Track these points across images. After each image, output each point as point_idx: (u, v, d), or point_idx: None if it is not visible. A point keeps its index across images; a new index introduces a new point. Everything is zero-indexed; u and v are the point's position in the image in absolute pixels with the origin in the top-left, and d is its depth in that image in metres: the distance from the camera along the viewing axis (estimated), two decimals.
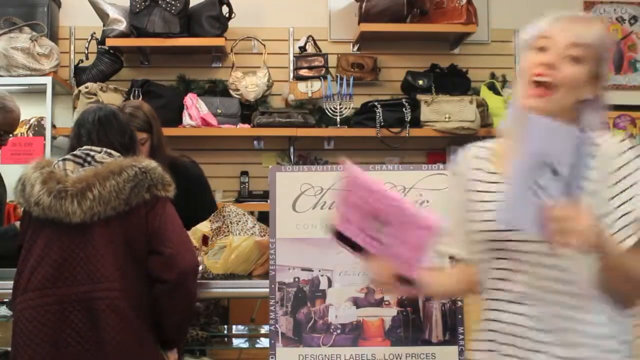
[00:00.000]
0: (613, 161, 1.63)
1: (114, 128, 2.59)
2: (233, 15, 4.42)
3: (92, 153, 2.50)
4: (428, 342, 3.05)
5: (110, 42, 4.29)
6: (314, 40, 4.52)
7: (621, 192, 1.61)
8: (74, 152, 2.52)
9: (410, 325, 3.05)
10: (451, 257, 1.86)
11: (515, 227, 1.53)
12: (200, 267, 2.80)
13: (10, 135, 3.40)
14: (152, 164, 2.50)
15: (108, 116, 2.60)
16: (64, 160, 2.50)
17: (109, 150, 2.52)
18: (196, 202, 3.16)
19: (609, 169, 1.62)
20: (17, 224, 3.06)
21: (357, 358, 3.00)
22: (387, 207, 1.67)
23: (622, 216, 1.61)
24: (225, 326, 3.65)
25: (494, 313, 1.73)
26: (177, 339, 2.60)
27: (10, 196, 3.49)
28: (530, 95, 1.61)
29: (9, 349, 3.40)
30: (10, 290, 2.55)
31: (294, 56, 4.54)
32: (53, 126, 4.19)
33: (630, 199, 1.61)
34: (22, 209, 2.59)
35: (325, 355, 2.92)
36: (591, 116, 1.66)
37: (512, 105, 1.71)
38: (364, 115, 4.40)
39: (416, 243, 1.65)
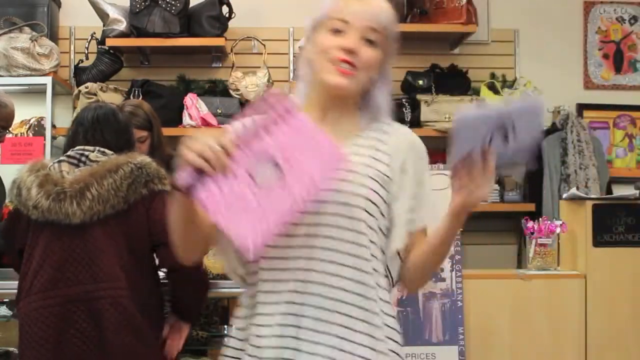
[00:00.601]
0: (403, 153, 1.66)
1: (111, 128, 2.58)
2: (233, 15, 4.42)
3: (86, 153, 2.49)
4: (428, 342, 3.05)
5: (110, 42, 4.28)
6: None
7: (407, 188, 1.64)
8: (68, 153, 2.52)
9: (410, 325, 3.05)
10: None
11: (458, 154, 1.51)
12: None
13: (7, 131, 3.40)
14: (147, 159, 2.50)
15: (107, 115, 2.60)
16: (59, 162, 2.50)
17: (102, 149, 2.51)
18: None
19: (400, 161, 1.65)
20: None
21: None
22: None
23: (403, 212, 1.63)
24: (225, 326, 3.65)
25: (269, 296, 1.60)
26: (196, 310, 2.70)
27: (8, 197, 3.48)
28: (335, 73, 1.59)
29: (9, 349, 3.40)
30: (10, 290, 2.55)
31: (294, 56, 4.54)
32: (53, 126, 4.19)
33: (413, 197, 1.64)
34: (12, 210, 2.58)
35: None
36: (380, 94, 1.69)
37: (305, 80, 1.68)
38: None
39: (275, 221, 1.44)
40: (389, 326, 1.60)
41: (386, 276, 1.63)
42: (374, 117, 1.69)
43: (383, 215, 1.61)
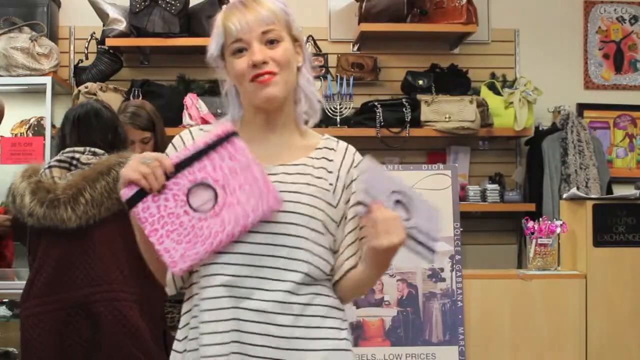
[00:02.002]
0: (348, 173, 1.67)
1: (94, 126, 2.55)
2: None
3: (76, 155, 2.47)
4: (428, 342, 3.05)
5: (110, 42, 4.28)
6: (314, 40, 4.51)
7: (350, 208, 1.64)
8: (58, 158, 2.50)
9: (410, 325, 3.05)
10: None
11: None
12: None
13: None
14: None
15: (88, 114, 2.56)
16: (50, 167, 2.48)
17: (92, 149, 2.48)
18: None
19: (345, 181, 1.66)
20: None
21: (357, 358, 2.99)
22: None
23: (347, 234, 1.64)
24: None
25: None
26: None
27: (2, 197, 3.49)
28: (260, 89, 1.60)
29: (9, 349, 3.40)
30: (9, 291, 2.55)
31: None
32: (53, 126, 4.18)
33: (355, 216, 1.63)
34: (12, 217, 2.57)
35: None
36: (305, 84, 1.68)
37: (235, 108, 1.70)
38: (364, 115, 4.40)
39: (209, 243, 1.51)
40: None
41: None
42: (310, 111, 1.69)
43: (330, 232, 1.62)
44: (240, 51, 1.63)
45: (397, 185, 1.57)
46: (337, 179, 1.65)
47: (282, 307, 1.55)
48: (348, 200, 1.65)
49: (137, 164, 1.51)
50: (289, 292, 1.56)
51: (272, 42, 1.62)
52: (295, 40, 1.68)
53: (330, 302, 1.63)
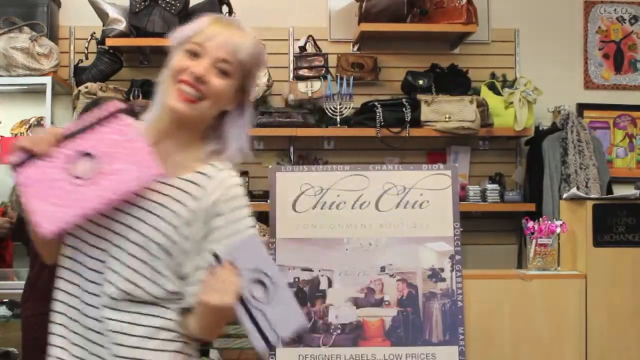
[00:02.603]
0: (214, 206, 1.61)
1: None
2: (233, 15, 4.42)
3: None
4: (428, 342, 3.05)
5: (110, 42, 4.28)
6: (314, 40, 4.51)
7: (210, 241, 1.61)
8: None
9: (410, 325, 3.05)
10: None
11: None
12: None
13: None
14: None
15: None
16: None
17: None
18: None
19: (208, 213, 1.61)
20: None
21: (357, 358, 2.99)
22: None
23: (199, 269, 1.60)
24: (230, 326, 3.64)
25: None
26: None
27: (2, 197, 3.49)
28: (177, 98, 1.60)
29: (9, 349, 3.39)
30: (9, 291, 2.54)
31: (294, 56, 4.54)
32: (53, 126, 4.19)
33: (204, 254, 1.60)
34: (17, 217, 2.57)
35: (325, 356, 2.91)
36: (232, 127, 1.69)
37: (157, 100, 1.69)
38: (364, 115, 4.40)
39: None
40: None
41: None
42: (220, 150, 1.67)
43: (174, 258, 1.59)
44: (194, 54, 1.62)
45: (268, 267, 1.55)
46: (199, 209, 1.60)
47: (100, 322, 1.59)
48: (207, 235, 1.60)
49: (32, 135, 1.55)
50: (106, 307, 1.57)
51: (221, 72, 1.62)
52: (242, 89, 1.67)
53: (159, 323, 1.59)
